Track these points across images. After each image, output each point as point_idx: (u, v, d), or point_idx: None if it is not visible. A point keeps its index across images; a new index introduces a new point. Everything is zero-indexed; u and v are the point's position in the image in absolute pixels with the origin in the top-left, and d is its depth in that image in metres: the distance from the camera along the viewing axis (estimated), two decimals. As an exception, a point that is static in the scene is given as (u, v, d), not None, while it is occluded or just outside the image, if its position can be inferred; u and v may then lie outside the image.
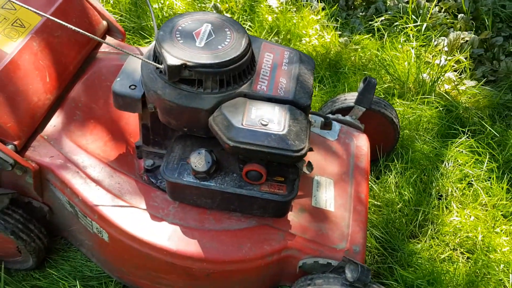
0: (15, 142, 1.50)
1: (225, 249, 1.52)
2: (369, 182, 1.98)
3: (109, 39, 1.98)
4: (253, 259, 1.54)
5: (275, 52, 1.63)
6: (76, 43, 1.78)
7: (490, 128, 2.32)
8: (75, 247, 1.80)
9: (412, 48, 2.70)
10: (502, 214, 2.05)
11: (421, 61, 2.65)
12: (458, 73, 2.74)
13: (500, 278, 1.84)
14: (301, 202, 1.69)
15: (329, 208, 1.71)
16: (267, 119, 1.40)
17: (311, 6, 2.97)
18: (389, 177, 2.11)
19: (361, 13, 3.10)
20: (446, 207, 2.06)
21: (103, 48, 1.94)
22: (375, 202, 2.03)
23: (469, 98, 2.60)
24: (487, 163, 2.20)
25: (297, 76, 1.56)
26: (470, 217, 2.02)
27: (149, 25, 2.66)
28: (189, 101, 1.44)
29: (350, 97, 2.08)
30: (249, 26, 2.81)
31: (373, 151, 2.05)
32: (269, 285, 1.71)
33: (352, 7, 3.17)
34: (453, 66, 2.74)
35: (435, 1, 3.04)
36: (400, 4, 3.07)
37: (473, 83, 2.68)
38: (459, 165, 2.20)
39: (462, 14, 3.06)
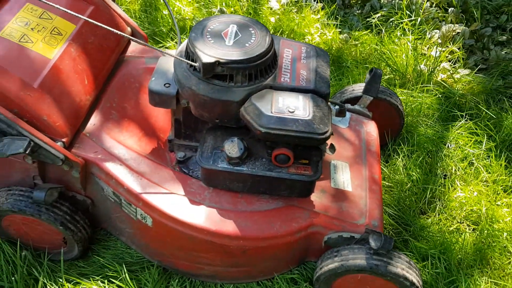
0: (64, 140, 1.64)
1: (258, 227, 1.68)
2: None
3: (133, 43, 2.13)
4: (283, 235, 1.70)
5: (293, 47, 1.80)
6: (106, 48, 1.93)
7: (487, 111, 2.50)
8: (114, 236, 1.94)
9: (409, 41, 2.88)
10: (502, 189, 2.23)
11: (417, 53, 2.83)
12: (452, 63, 2.92)
13: (504, 245, 2.01)
14: (321, 184, 1.85)
15: (347, 188, 1.87)
16: (293, 107, 1.57)
17: (311, 6, 3.15)
18: (397, 160, 2.28)
19: (357, 11, 3.28)
20: (451, 185, 2.23)
21: (129, 53, 2.09)
22: (386, 183, 2.20)
23: (464, 85, 2.78)
24: (485, 143, 2.38)
25: (315, 68, 1.72)
26: (473, 192, 2.20)
27: (161, 31, 2.81)
28: (221, 94, 1.60)
29: (357, 88, 2.25)
30: (254, 27, 2.97)
31: (381, 137, 2.21)
32: (297, 261, 1.87)
33: (349, 6, 3.36)
34: (447, 56, 2.92)
35: (427, -4, 3.24)
36: (394, 1, 3.25)
37: (466, 71, 2.86)
38: (460, 146, 2.38)
39: (452, 8, 3.25)
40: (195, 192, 1.72)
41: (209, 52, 1.56)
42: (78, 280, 1.76)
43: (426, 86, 2.66)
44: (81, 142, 1.72)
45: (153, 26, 2.85)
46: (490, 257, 1.98)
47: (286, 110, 1.56)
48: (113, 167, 1.69)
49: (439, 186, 2.21)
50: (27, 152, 1.50)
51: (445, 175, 2.28)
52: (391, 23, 3.09)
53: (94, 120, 1.80)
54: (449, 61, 2.92)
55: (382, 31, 3.01)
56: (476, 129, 2.45)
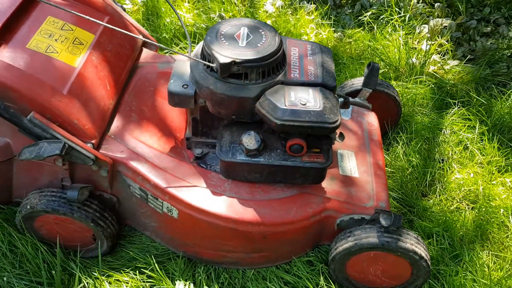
0: (93, 141, 1.76)
1: (276, 213, 1.82)
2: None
3: (145, 50, 2.25)
4: (300, 220, 1.84)
5: (299, 46, 1.94)
6: (123, 55, 2.05)
7: (477, 97, 2.67)
8: (139, 232, 2.06)
9: (400, 36, 3.04)
10: (496, 169, 2.39)
11: (408, 47, 2.99)
12: (441, 55, 3.09)
13: (502, 220, 2.17)
14: (330, 172, 1.98)
15: (354, 174, 2.02)
16: (305, 100, 1.71)
17: (305, 8, 3.30)
18: (397, 147, 2.43)
19: (348, 10, 3.44)
20: (449, 168, 2.38)
21: (142, 59, 2.22)
22: (389, 169, 2.35)
23: (454, 75, 2.95)
24: (478, 127, 2.55)
25: (321, 63, 1.86)
26: (470, 174, 2.35)
27: (164, 37, 2.94)
28: (238, 92, 1.73)
29: (356, 82, 2.40)
30: (252, 30, 3.11)
31: (381, 126, 2.36)
32: (312, 244, 2.00)
33: (340, 6, 3.51)
34: (437, 49, 3.08)
35: (413, -7, 3.40)
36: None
37: (456, 62, 3.03)
38: (455, 131, 2.54)
39: (438, 3, 3.42)
40: (216, 184, 1.85)
41: (225, 53, 1.70)
42: (110, 273, 1.87)
43: (419, 78, 2.82)
44: (107, 143, 1.84)
45: (156, 33, 2.98)
46: (490, 232, 2.14)
47: (299, 103, 1.69)
48: (139, 165, 1.81)
49: (437, 170, 2.36)
50: (62, 154, 1.62)
51: (442, 159, 2.43)
52: (381, 20, 3.25)
53: (117, 122, 1.92)
54: (439, 53, 3.08)
55: (374, 28, 3.17)
56: (468, 115, 2.61)
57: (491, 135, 2.52)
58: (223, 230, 1.81)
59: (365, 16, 3.26)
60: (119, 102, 2.00)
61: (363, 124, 2.24)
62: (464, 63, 3.01)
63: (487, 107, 2.67)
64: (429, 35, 3.17)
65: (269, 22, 3.18)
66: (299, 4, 3.35)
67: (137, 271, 1.89)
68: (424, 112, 2.64)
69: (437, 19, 3.24)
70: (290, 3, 3.37)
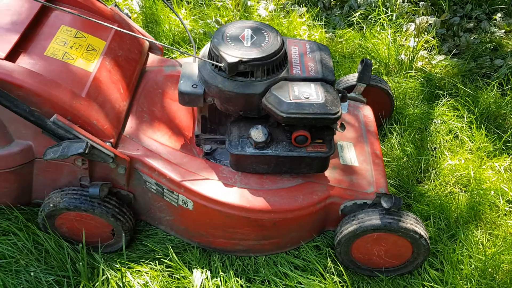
0: (111, 140, 1.88)
1: (285, 201, 1.94)
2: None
3: (151, 55, 2.38)
4: (306, 206, 1.97)
5: (298, 45, 2.08)
6: (133, 60, 2.17)
7: (464, 88, 2.83)
8: (153, 226, 2.17)
9: (388, 35, 3.20)
10: (485, 154, 2.55)
11: (397, 45, 3.14)
12: (428, 50, 3.25)
13: (493, 201, 2.32)
14: (332, 162, 2.12)
15: (354, 164, 2.15)
16: (308, 94, 1.84)
17: (297, 11, 3.44)
18: (392, 138, 2.57)
19: (338, 12, 3.59)
20: (441, 155, 2.53)
21: (148, 64, 2.34)
22: (385, 159, 2.49)
23: (442, 69, 3.11)
24: (466, 117, 2.70)
25: (320, 60, 2.00)
26: (461, 160, 2.50)
27: (165, 43, 3.06)
28: (245, 89, 1.86)
29: (351, 78, 2.54)
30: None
31: (376, 118, 2.50)
32: (318, 230, 2.13)
33: (329, 7, 3.67)
34: (423, 45, 3.25)
35: (399, -7, 3.57)
36: (369, 0, 3.58)
37: (442, 57, 3.19)
38: (445, 121, 2.70)
39: (423, 2, 3.59)
40: (227, 177, 1.98)
41: (232, 54, 1.83)
42: (131, 265, 1.99)
43: (409, 73, 2.98)
44: (123, 142, 1.96)
45: (156, 40, 3.10)
46: (482, 213, 2.28)
47: (302, 97, 1.83)
48: (154, 161, 1.93)
49: (431, 158, 2.51)
50: (85, 152, 1.74)
51: (435, 148, 2.58)
52: (370, 20, 3.41)
53: (130, 123, 2.04)
54: (426, 49, 3.25)
55: (363, 27, 3.32)
56: (457, 105, 2.77)
57: (478, 123, 2.68)
58: (236, 219, 1.93)
59: (354, 17, 3.41)
60: (131, 104, 2.11)
61: (359, 117, 2.39)
62: (450, 58, 3.17)
63: (473, 97, 2.83)
64: (415, 33, 3.33)
65: (263, 25, 3.31)
66: (291, 7, 3.50)
67: (156, 262, 2.00)
68: (415, 104, 2.80)
69: (422, 17, 3.41)
70: (282, 6, 3.52)
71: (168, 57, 2.92)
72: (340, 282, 1.97)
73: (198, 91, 1.93)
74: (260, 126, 1.91)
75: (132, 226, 2.04)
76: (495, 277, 2.02)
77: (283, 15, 3.43)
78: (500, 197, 2.32)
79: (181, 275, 1.95)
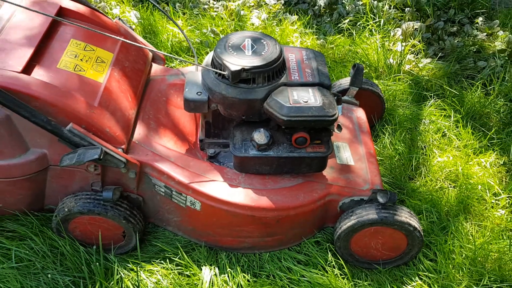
0: (123, 147, 1.99)
1: (287, 199, 2.07)
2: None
3: (154, 65, 2.49)
4: (307, 204, 2.09)
5: (295, 52, 2.21)
6: (138, 70, 2.29)
7: (451, 89, 2.99)
8: (161, 227, 2.28)
9: (376, 40, 3.35)
10: (472, 151, 2.70)
11: (385, 49, 3.29)
12: (415, 54, 3.41)
13: (480, 194, 2.47)
14: (329, 162, 2.24)
15: (350, 163, 2.29)
16: (306, 98, 1.97)
17: (289, 19, 3.58)
18: (384, 138, 2.72)
19: (328, 19, 3.74)
20: (431, 153, 2.68)
21: (152, 73, 2.45)
22: (378, 158, 2.63)
23: (428, 72, 3.26)
24: (453, 116, 2.86)
25: (316, 66, 2.14)
26: (450, 157, 2.65)
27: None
28: (247, 94, 1.99)
29: (344, 82, 2.68)
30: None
31: (369, 120, 2.64)
32: (318, 226, 2.26)
33: (319, 15, 3.82)
34: (410, 49, 3.40)
35: (385, 0, 3.73)
36: (358, 7, 3.73)
37: (428, 60, 3.35)
38: (433, 121, 2.85)
39: (408, 8, 3.76)
40: (231, 178, 2.10)
41: (234, 62, 1.95)
42: (142, 264, 2.09)
43: (397, 76, 3.13)
44: (133, 148, 2.07)
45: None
46: (471, 206, 2.43)
47: (301, 101, 1.96)
48: (163, 165, 2.05)
49: (421, 155, 2.66)
50: (100, 158, 1.84)
51: (424, 146, 2.73)
52: (359, 26, 3.56)
53: (138, 130, 2.15)
54: (413, 53, 3.40)
55: (353, 33, 3.47)
56: (444, 106, 2.93)
57: (465, 122, 2.83)
58: (242, 217, 2.05)
59: (343, 23, 3.56)
60: (138, 112, 2.23)
61: (353, 118, 2.52)
62: (436, 61, 3.33)
63: (459, 97, 2.98)
64: (402, 37, 3.48)
65: (256, 33, 3.45)
66: (283, 15, 3.64)
67: (167, 260, 2.11)
68: (405, 105, 2.94)
69: (408, 22, 3.57)
70: (274, 15, 3.66)
71: (168, 66, 3.04)
72: (340, 275, 2.10)
73: (203, 98, 2.06)
74: (262, 129, 2.04)
75: (142, 228, 2.15)
76: (485, 265, 2.16)
77: (275, 24, 3.57)
78: (487, 191, 2.47)
79: (191, 272, 2.07)
